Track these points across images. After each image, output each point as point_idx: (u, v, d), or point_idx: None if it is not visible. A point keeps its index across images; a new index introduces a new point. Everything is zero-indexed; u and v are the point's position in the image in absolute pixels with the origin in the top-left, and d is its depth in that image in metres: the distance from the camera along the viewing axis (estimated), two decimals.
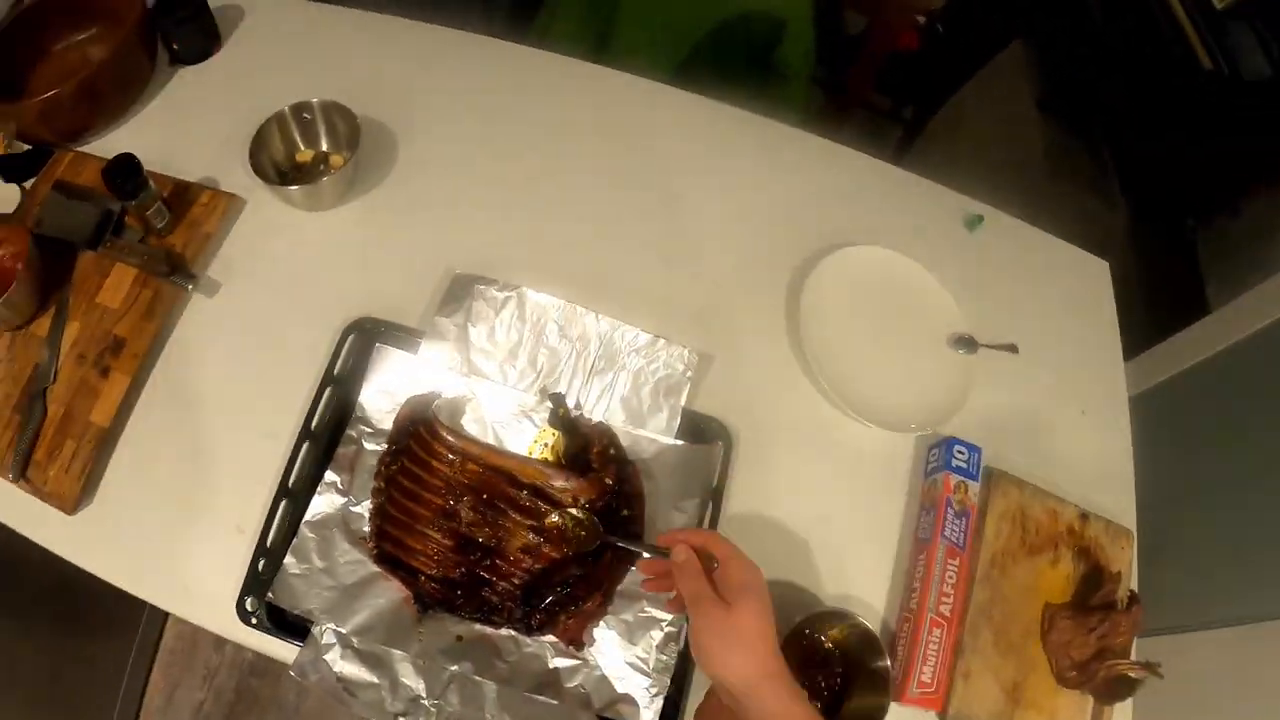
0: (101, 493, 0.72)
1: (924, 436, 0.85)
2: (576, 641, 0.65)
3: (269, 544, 0.68)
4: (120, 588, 0.69)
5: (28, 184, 0.86)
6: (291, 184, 0.79)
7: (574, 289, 0.83)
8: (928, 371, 0.90)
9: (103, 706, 1.27)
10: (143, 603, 0.69)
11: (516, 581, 0.68)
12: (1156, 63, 2.07)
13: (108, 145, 0.89)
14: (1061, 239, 1.08)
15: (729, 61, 1.17)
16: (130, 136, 0.90)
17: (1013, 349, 0.92)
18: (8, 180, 0.86)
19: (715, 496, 0.75)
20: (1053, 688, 0.77)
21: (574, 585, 0.67)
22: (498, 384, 0.76)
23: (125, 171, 0.75)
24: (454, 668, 0.63)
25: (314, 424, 0.71)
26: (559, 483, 0.71)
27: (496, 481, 0.71)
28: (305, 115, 0.85)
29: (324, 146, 0.88)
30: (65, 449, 0.72)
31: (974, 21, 1.56)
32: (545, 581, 0.68)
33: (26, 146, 0.88)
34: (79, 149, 0.89)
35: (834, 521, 0.80)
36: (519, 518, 0.70)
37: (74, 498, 0.70)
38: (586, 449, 0.73)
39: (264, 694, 1.40)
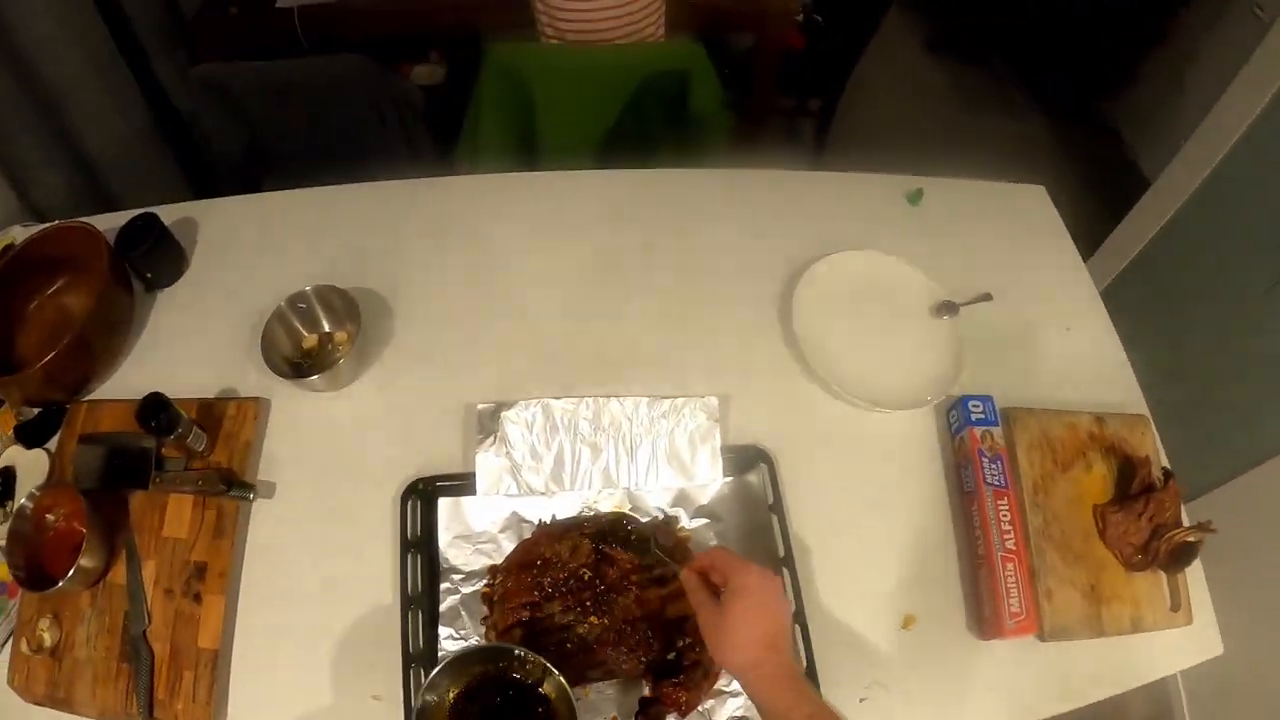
0: (233, 707, 0.76)
1: (940, 403, 0.92)
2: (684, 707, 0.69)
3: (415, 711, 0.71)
4: None
5: (50, 445, 0.87)
6: (308, 373, 0.84)
7: (587, 381, 0.89)
8: (922, 347, 0.97)
9: None
10: None
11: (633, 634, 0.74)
12: None
13: (114, 387, 0.92)
14: (993, 168, 1.15)
15: (648, 122, 1.24)
16: (132, 373, 0.92)
17: (987, 298, 1.00)
18: (30, 447, 0.88)
19: (777, 511, 0.82)
20: (1125, 576, 0.83)
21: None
22: (557, 492, 0.83)
23: (156, 410, 0.79)
24: None
25: (409, 589, 0.77)
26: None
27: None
28: (300, 305, 0.90)
29: (325, 328, 0.93)
30: (185, 680, 0.75)
31: (847, 1, 1.67)
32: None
33: (35, 410, 0.89)
34: (87, 400, 0.90)
35: (889, 503, 0.87)
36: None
37: None
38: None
39: None
